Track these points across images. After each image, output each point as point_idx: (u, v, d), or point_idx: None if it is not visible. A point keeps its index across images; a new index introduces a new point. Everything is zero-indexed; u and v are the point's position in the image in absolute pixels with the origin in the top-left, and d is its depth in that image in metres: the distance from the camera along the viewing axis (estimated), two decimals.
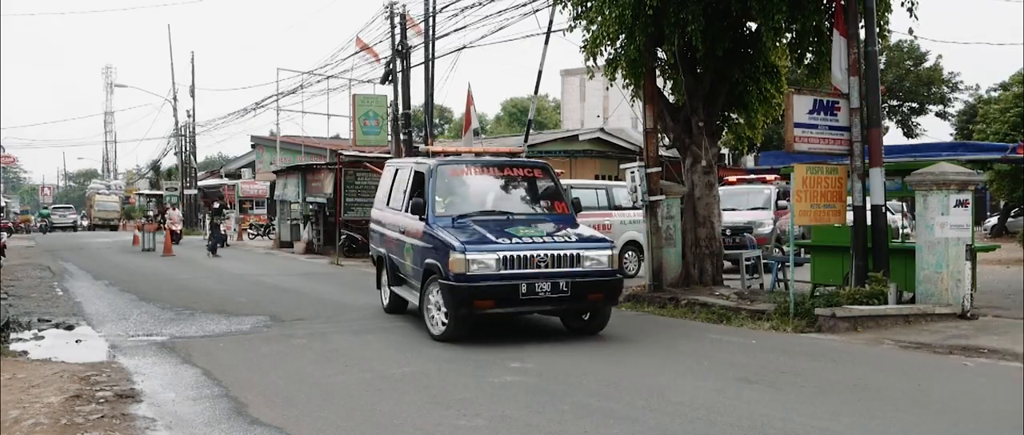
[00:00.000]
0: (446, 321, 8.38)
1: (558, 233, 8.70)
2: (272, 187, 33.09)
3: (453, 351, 8.00)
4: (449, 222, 8.79)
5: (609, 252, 8.54)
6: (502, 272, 8.06)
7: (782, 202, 17.91)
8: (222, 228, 24.87)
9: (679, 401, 5.93)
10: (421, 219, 8.96)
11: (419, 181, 9.69)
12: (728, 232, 16.24)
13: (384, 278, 10.84)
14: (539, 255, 8.19)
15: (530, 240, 8.35)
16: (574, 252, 8.36)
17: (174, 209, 34.72)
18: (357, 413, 5.66)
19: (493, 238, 8.30)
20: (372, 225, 11.66)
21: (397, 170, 11.02)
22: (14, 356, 7.80)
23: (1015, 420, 5.49)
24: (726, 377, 6.78)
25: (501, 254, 8.09)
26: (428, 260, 8.62)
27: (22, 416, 5.53)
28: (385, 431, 5.25)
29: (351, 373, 6.99)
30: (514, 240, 8.29)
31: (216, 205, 26.83)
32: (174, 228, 30.13)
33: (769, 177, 20.18)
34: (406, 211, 9.54)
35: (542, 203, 9.67)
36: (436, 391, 6.28)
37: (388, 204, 10.85)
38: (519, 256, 8.14)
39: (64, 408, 5.75)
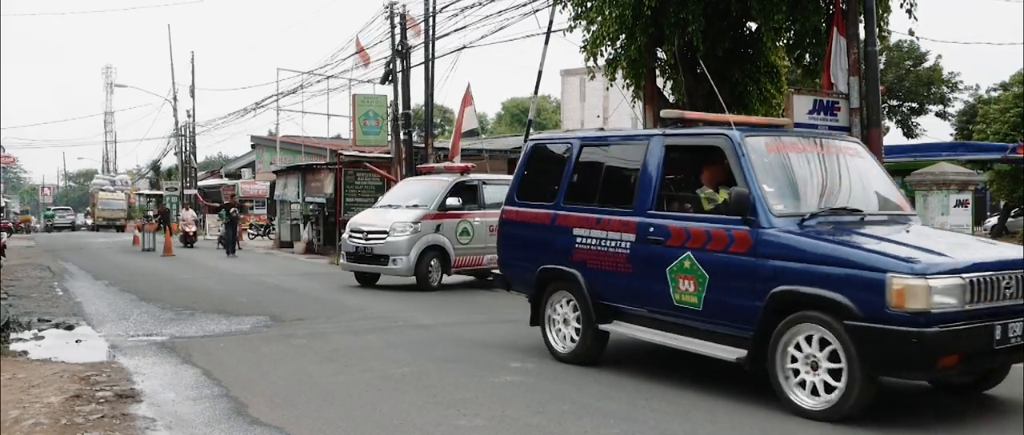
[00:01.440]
0: (843, 386, 5.25)
1: (979, 240, 6.11)
2: (272, 187, 33.10)
3: (453, 351, 8.00)
4: (795, 225, 5.75)
5: None
6: (970, 308, 5.09)
7: None
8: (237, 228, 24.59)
9: (680, 401, 5.93)
10: (746, 221, 5.83)
11: (687, 160, 6.90)
12: None
13: (559, 311, 7.35)
14: (1007, 279, 5.25)
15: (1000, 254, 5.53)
16: None
17: (186, 209, 32.62)
18: (357, 413, 5.67)
19: (930, 251, 5.36)
20: (514, 230, 7.90)
21: (580, 147, 7.37)
22: (14, 356, 7.80)
23: (1015, 420, 5.49)
24: (727, 377, 6.77)
25: (970, 277, 5.11)
26: (789, 288, 5.51)
27: (22, 416, 5.53)
28: (385, 431, 5.25)
29: (351, 373, 6.99)
30: (968, 254, 5.44)
31: (226, 203, 26.68)
32: (188, 229, 28.74)
33: None
34: (657, 207, 6.59)
35: (879, 195, 6.60)
36: (436, 391, 6.28)
37: (567, 199, 7.31)
38: (990, 280, 5.18)
39: (64, 408, 5.75)
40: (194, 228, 29.49)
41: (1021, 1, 28.89)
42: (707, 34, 11.01)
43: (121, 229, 48.79)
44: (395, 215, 14.01)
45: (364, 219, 14.54)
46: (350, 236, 14.23)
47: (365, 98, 29.44)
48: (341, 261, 14.88)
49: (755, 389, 6.33)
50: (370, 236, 13.80)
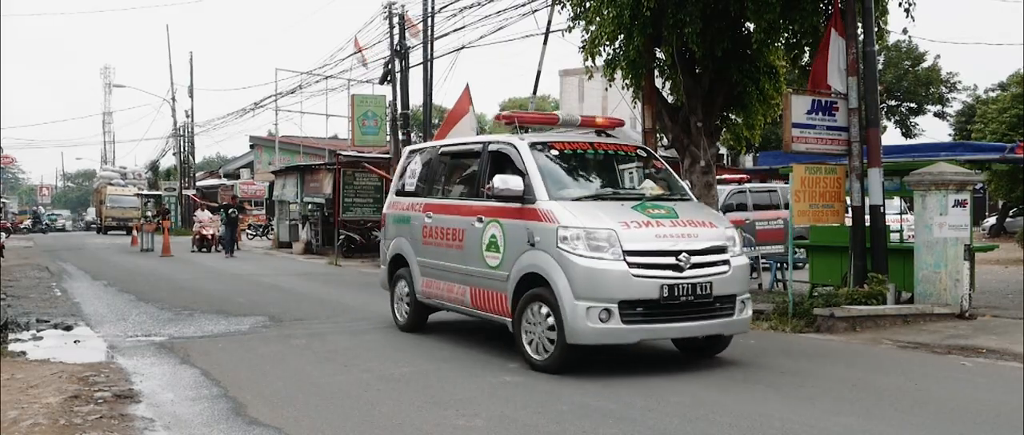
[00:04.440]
0: None
1: None
2: (271, 187, 33.07)
3: (452, 351, 8.01)
4: None
5: None
6: None
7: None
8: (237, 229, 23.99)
9: (678, 401, 5.93)
10: None
11: None
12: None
13: None
14: None
15: None
16: None
17: (202, 210, 29.03)
18: (356, 413, 5.67)
19: None
20: None
21: None
22: (13, 356, 7.79)
23: (1014, 420, 5.50)
24: (724, 377, 6.78)
25: None
26: None
27: (21, 416, 5.53)
28: (384, 431, 5.25)
29: (350, 373, 6.99)
30: None
31: (224, 204, 26.15)
32: (205, 232, 26.32)
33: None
34: None
35: None
36: (435, 391, 6.28)
37: None
38: None
39: (62, 408, 5.75)
40: (211, 230, 26.24)
41: (1020, 1, 28.92)
42: (706, 34, 11.00)
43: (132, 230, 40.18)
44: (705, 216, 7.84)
45: (651, 232, 6.97)
46: (637, 268, 6.69)
47: (364, 98, 29.48)
48: (604, 325, 6.64)
49: (756, 390, 6.34)
50: (695, 261, 6.88)
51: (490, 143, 8.16)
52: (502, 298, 7.43)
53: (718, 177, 17.52)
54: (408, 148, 10.01)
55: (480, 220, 7.76)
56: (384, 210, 9.91)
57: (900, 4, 10.99)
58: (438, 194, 8.79)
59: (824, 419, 5.48)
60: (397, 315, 9.40)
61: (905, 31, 11.50)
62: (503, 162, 7.79)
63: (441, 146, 9.26)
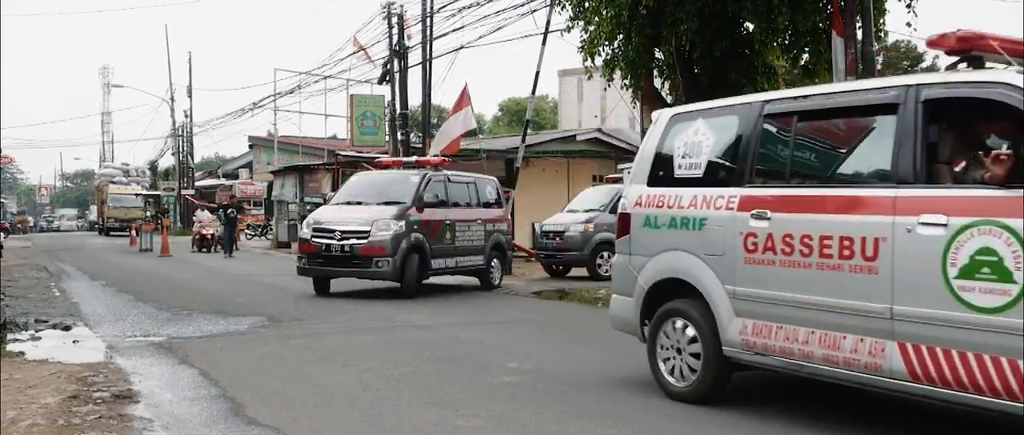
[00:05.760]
0: None
1: None
2: (269, 187, 33.09)
3: (451, 352, 8.00)
4: None
5: None
6: None
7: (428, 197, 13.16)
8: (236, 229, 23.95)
9: (677, 403, 5.92)
10: None
11: None
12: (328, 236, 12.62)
13: None
14: None
15: None
16: None
17: (202, 210, 28.68)
18: (355, 413, 5.66)
19: None
20: None
21: None
22: (11, 357, 7.78)
23: (1014, 420, 5.49)
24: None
25: None
26: None
27: (19, 417, 5.52)
28: (383, 431, 5.24)
29: (349, 373, 6.98)
30: None
31: (223, 204, 26.11)
32: (205, 232, 26.26)
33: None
34: None
35: None
36: (434, 391, 6.28)
37: None
38: None
39: (61, 409, 5.74)
40: (213, 230, 26.25)
41: (1020, 1, 28.93)
42: (704, 34, 11.03)
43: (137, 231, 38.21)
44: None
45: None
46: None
47: (363, 98, 29.52)
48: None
49: (756, 391, 6.34)
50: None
51: (924, 87, 4.73)
52: (1015, 370, 4.22)
53: None
54: (668, 112, 6.34)
55: (931, 224, 4.47)
56: (624, 208, 6.43)
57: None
58: (775, 180, 5.47)
59: (826, 419, 5.47)
60: (666, 375, 6.06)
61: (909, 24, 11.50)
62: (963, 117, 4.85)
63: (766, 101, 5.64)
